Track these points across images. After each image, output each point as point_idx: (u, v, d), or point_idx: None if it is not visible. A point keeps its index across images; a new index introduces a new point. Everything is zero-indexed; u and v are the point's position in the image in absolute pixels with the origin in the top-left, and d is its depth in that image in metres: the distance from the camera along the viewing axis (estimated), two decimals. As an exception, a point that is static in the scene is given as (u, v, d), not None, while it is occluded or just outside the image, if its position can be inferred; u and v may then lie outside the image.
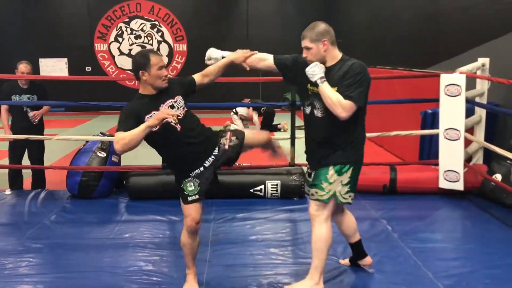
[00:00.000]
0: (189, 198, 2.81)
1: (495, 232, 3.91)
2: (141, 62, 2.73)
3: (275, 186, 4.73)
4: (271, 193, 4.74)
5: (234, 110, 9.76)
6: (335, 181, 2.78)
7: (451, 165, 4.56)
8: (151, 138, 2.72)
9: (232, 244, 3.69)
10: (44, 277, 3.17)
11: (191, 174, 2.83)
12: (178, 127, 2.76)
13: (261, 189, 4.74)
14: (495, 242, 3.70)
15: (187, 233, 2.87)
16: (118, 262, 3.39)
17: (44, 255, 3.53)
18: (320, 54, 2.74)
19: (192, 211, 2.82)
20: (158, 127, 2.63)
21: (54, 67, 12.62)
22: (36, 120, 5.09)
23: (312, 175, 2.93)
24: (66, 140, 5.75)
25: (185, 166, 2.83)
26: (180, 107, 2.80)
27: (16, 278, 3.16)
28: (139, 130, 2.57)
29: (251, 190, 4.75)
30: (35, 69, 12.20)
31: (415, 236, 3.81)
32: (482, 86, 4.93)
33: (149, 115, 2.69)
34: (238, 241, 3.76)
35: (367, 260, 3.19)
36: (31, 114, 5.05)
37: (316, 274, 2.85)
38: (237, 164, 5.12)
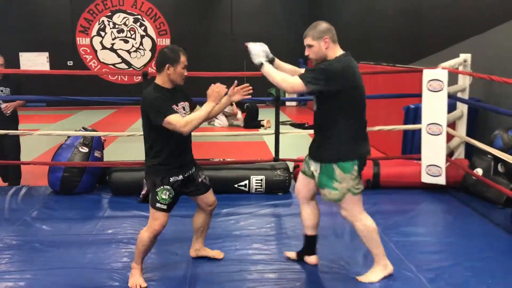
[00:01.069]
0: (157, 205, 2.90)
1: (476, 226, 3.97)
2: (170, 56, 2.84)
3: (260, 181, 4.73)
4: (256, 188, 4.74)
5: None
6: (345, 179, 2.85)
7: (434, 159, 4.61)
8: (160, 129, 2.80)
9: (217, 239, 3.68)
10: (25, 274, 3.13)
11: (171, 179, 2.90)
12: None
13: (245, 184, 4.74)
14: (476, 236, 3.75)
15: (149, 234, 2.93)
16: (101, 259, 3.36)
17: (25, 252, 3.48)
18: (321, 51, 2.84)
19: (160, 216, 2.91)
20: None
21: (35, 61, 12.42)
22: (9, 112, 4.96)
23: (310, 164, 3.01)
24: (47, 135, 5.66)
25: (175, 162, 2.92)
26: (187, 112, 2.96)
27: (-3, 275, 3.12)
28: (207, 111, 2.80)
29: (236, 185, 4.75)
30: (15, 63, 12.04)
31: (398, 230, 3.84)
32: (464, 81, 4.99)
33: (174, 106, 2.84)
34: (222, 236, 3.76)
35: (313, 259, 3.22)
36: (3, 106, 4.93)
37: (381, 259, 2.99)
38: (221, 159, 5.13)
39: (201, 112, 2.81)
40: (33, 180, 5.25)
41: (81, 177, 4.75)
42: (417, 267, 3.19)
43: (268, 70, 2.89)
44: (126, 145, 6.91)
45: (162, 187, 2.89)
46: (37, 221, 4.09)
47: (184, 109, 2.93)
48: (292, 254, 3.31)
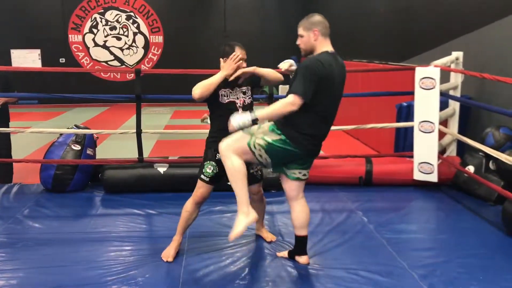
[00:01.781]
0: (202, 176, 3.20)
1: (468, 223, 4.00)
2: (226, 51, 3.19)
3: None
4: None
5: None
6: (262, 129, 2.92)
7: (426, 157, 4.63)
8: (221, 106, 3.14)
9: (209, 236, 3.68)
10: (17, 273, 3.11)
11: (217, 156, 3.13)
12: (240, 110, 3.17)
13: (238, 181, 4.73)
14: (468, 232, 3.78)
15: (192, 202, 3.23)
16: (93, 257, 3.35)
17: (17, 250, 3.46)
18: (310, 42, 2.91)
19: (203, 186, 3.20)
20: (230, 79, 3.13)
21: (26, 59, 12.33)
22: None
23: None
24: (39, 133, 5.63)
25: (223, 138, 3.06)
26: (248, 96, 3.24)
27: (-12, 273, 3.10)
28: (216, 78, 3.10)
29: (228, 183, 4.72)
30: (7, 60, 11.95)
31: (390, 227, 3.86)
32: (456, 79, 5.02)
33: (224, 91, 3.15)
34: (215, 233, 3.76)
35: (304, 259, 3.21)
36: None
37: (242, 205, 2.95)
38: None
39: (212, 78, 3.11)
40: (25, 178, 5.22)
41: (74, 175, 4.73)
42: (409, 264, 3.21)
43: (264, 115, 2.87)
44: (119, 143, 6.88)
45: (209, 162, 3.18)
46: (29, 219, 4.07)
47: (244, 94, 3.21)
48: (284, 254, 3.31)
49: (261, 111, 2.88)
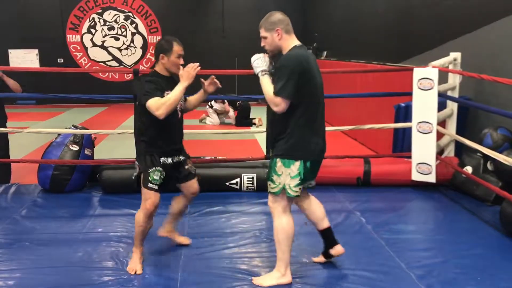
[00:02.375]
0: (150, 185, 3.05)
1: (466, 223, 4.00)
2: (164, 46, 3.05)
3: (251, 179, 4.73)
4: (247, 186, 4.74)
5: (209, 103, 9.73)
6: (283, 173, 2.81)
7: (424, 157, 4.64)
8: (150, 112, 2.94)
9: (208, 237, 3.68)
10: (14, 273, 3.10)
11: (161, 160, 3.06)
12: (179, 114, 3.14)
13: (237, 182, 4.74)
14: (466, 233, 3.78)
15: (143, 215, 3.07)
16: (91, 257, 3.34)
17: (15, 250, 3.45)
18: (275, 42, 2.82)
19: (152, 195, 3.04)
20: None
21: (25, 59, 12.30)
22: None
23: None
24: (37, 133, 5.62)
25: (164, 145, 3.08)
26: (183, 100, 3.22)
27: (-14, 274, 3.09)
28: (180, 91, 2.95)
29: (227, 183, 4.74)
30: (5, 61, 11.92)
31: (388, 228, 3.86)
32: (454, 80, 5.02)
33: (167, 92, 2.98)
34: (213, 234, 3.76)
35: (338, 249, 3.14)
36: None
37: (282, 266, 2.91)
38: (213, 157, 5.12)
39: (172, 92, 2.94)
40: (22, 178, 5.21)
41: (71, 175, 4.73)
42: (407, 264, 3.21)
43: (261, 83, 2.83)
44: (117, 143, 6.87)
45: (154, 168, 3.04)
46: (27, 220, 4.06)
47: (182, 98, 3.14)
48: (320, 259, 3.23)
49: (266, 81, 2.79)
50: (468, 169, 4.62)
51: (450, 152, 5.20)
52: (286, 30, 2.81)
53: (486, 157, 4.45)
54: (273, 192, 2.86)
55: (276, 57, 2.90)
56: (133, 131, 4.26)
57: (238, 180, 4.74)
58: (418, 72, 4.61)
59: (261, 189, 4.73)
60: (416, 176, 4.73)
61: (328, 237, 3.17)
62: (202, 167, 4.79)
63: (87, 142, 4.96)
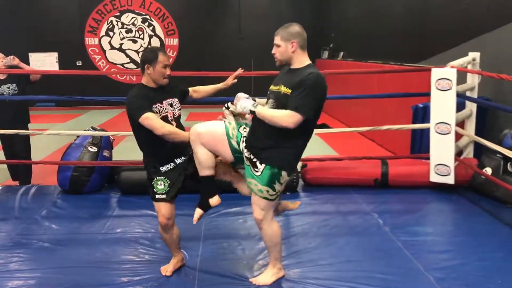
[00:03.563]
0: (157, 196, 3.00)
1: (485, 225, 3.95)
2: (149, 57, 2.97)
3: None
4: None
5: (226, 105, 9.75)
6: (283, 183, 2.86)
7: (442, 159, 4.59)
8: (142, 126, 2.92)
9: (224, 238, 3.69)
10: (35, 273, 3.15)
11: (161, 169, 3.01)
12: (174, 124, 3.03)
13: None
14: (485, 235, 3.73)
15: (161, 229, 3.07)
16: (110, 257, 3.38)
17: (35, 251, 3.51)
18: (287, 53, 2.81)
19: (161, 207, 3.00)
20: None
21: (44, 62, 12.49)
22: (15, 63, 5.04)
23: (246, 157, 2.88)
24: (56, 135, 5.70)
25: (163, 155, 3.03)
26: (177, 108, 3.09)
27: (7, 273, 3.14)
28: (184, 138, 2.93)
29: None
30: (26, 63, 12.11)
31: (406, 230, 3.83)
32: (473, 80, 4.96)
33: (155, 106, 2.94)
34: (230, 235, 3.77)
35: (216, 199, 3.04)
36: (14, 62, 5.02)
37: (278, 263, 3.06)
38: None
39: (180, 133, 2.94)
40: (42, 179, 5.29)
41: (90, 176, 4.78)
42: (425, 266, 3.18)
43: (262, 114, 2.78)
44: (135, 145, 6.91)
45: (156, 179, 3.00)
46: (47, 220, 4.12)
47: (171, 106, 3.05)
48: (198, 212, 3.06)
49: (262, 109, 2.78)
50: (488, 170, 4.55)
51: (469, 153, 5.14)
52: (301, 45, 2.80)
53: (506, 158, 4.38)
54: (270, 199, 2.87)
55: (284, 68, 2.91)
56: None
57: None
58: (436, 73, 4.56)
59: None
60: (434, 178, 4.68)
61: (207, 186, 3.05)
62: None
63: (105, 144, 5.02)
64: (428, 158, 4.75)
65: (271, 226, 2.94)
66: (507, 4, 4.96)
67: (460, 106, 4.80)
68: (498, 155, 4.52)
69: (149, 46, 3.15)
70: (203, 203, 3.03)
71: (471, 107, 5.02)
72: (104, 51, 12.82)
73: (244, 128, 2.99)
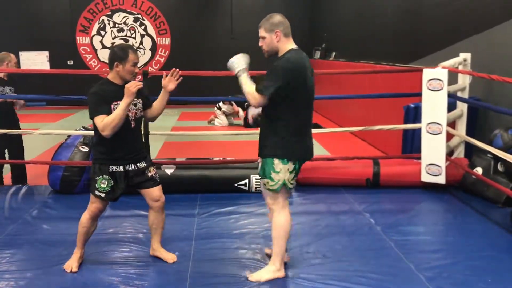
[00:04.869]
0: (96, 192, 3.05)
1: (476, 225, 3.97)
2: (119, 55, 2.97)
3: (260, 181, 4.73)
4: (256, 187, 4.74)
5: (217, 105, 9.75)
6: (281, 170, 2.89)
7: (433, 159, 4.61)
8: None
9: (217, 238, 3.68)
10: (25, 273, 3.13)
11: (110, 169, 3.03)
12: (133, 123, 3.05)
13: (245, 183, 4.74)
14: (476, 235, 3.76)
15: (89, 216, 3.12)
16: (100, 258, 3.36)
17: (25, 251, 3.48)
18: (273, 44, 2.91)
19: (98, 202, 3.08)
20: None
21: (35, 61, 12.41)
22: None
23: (259, 163, 3.06)
24: (47, 134, 5.66)
25: (115, 155, 3.03)
26: (139, 108, 3.09)
27: (-3, 274, 3.12)
28: (123, 109, 2.86)
29: (236, 185, 4.75)
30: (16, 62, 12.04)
31: (397, 229, 3.85)
32: (464, 80, 5.00)
33: (116, 103, 2.93)
34: (222, 235, 3.76)
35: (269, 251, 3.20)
36: (19, 104, 5.06)
37: (278, 260, 3.00)
38: (221, 158, 5.13)
39: (115, 112, 2.88)
40: (33, 179, 5.25)
41: (81, 176, 4.76)
42: (416, 266, 3.20)
43: (240, 81, 2.93)
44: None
45: (101, 176, 3.02)
46: (37, 220, 4.09)
47: (135, 105, 3.05)
48: (268, 250, 3.32)
49: (243, 78, 2.91)
50: (478, 170, 4.59)
51: (460, 153, 5.17)
52: (285, 33, 2.89)
53: (497, 158, 4.41)
54: (273, 189, 2.93)
55: (272, 58, 2.97)
56: (142, 132, 4.24)
57: (246, 181, 4.74)
58: (428, 73, 4.58)
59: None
60: (425, 178, 4.71)
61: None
62: (211, 168, 4.81)
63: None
64: (419, 158, 4.77)
65: (279, 217, 2.97)
66: (498, 5, 5.00)
67: (451, 106, 4.83)
68: (488, 155, 4.55)
69: (119, 43, 3.12)
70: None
71: (462, 107, 5.05)
72: (95, 50, 12.75)
73: None
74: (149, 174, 3.17)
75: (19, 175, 5.20)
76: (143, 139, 3.24)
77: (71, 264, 3.14)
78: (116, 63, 2.95)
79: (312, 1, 12.64)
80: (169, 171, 4.74)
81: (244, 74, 2.93)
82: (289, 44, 2.91)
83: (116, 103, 2.93)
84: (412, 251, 3.43)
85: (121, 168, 3.06)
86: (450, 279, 3.02)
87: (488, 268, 3.16)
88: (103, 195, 3.04)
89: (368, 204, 4.46)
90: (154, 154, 5.94)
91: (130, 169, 3.09)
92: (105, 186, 3.03)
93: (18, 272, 3.16)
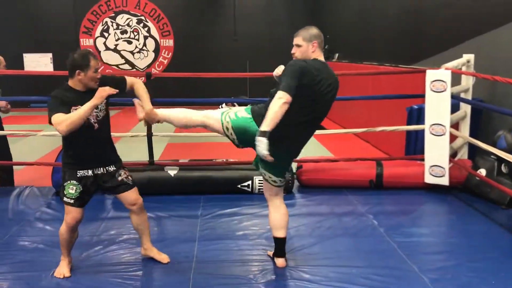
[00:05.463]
0: (65, 199, 2.99)
1: (480, 226, 3.96)
2: (80, 62, 2.88)
3: (263, 182, 4.72)
4: (259, 189, 4.74)
5: (220, 106, 9.77)
6: (239, 108, 3.02)
7: (437, 160, 4.60)
8: None
9: (220, 239, 3.68)
10: (28, 275, 3.14)
11: (78, 174, 2.98)
12: (96, 126, 2.97)
13: (248, 184, 4.75)
14: (479, 236, 3.75)
15: (66, 228, 3.05)
16: (104, 259, 3.37)
17: (29, 252, 3.49)
18: (307, 53, 2.97)
19: (72, 210, 3.01)
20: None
21: (39, 63, 12.45)
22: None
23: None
24: (51, 136, 5.67)
25: (81, 159, 2.99)
26: (102, 109, 3.00)
27: (0, 275, 3.13)
28: (86, 109, 2.78)
29: (239, 186, 4.75)
30: (19, 64, 12.08)
31: (401, 231, 3.84)
32: (467, 82, 4.98)
33: (75, 108, 2.84)
34: (225, 236, 3.76)
35: (279, 261, 3.21)
36: (4, 104, 4.94)
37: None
38: (225, 160, 5.14)
39: (78, 110, 2.80)
40: (37, 181, 5.27)
41: (85, 177, 4.75)
42: (420, 267, 3.19)
43: (268, 123, 2.74)
44: (130, 146, 6.91)
45: (69, 182, 2.98)
46: (41, 222, 4.10)
47: (97, 108, 2.95)
48: (271, 253, 3.33)
49: (264, 123, 2.74)
50: (482, 171, 4.57)
51: (463, 154, 5.16)
52: (321, 46, 3.01)
53: (500, 160, 4.40)
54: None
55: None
56: (145, 134, 4.27)
57: (250, 182, 4.74)
58: (431, 74, 4.58)
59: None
60: (429, 179, 4.70)
61: (277, 247, 3.22)
62: (214, 169, 4.81)
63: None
64: (422, 160, 4.76)
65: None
66: (501, 6, 4.99)
67: (454, 108, 4.82)
68: (492, 156, 4.54)
69: (78, 50, 3.01)
70: (272, 255, 3.29)
71: (465, 109, 5.04)
72: (99, 52, 12.78)
73: None
74: (119, 178, 3.10)
75: (7, 176, 5.15)
76: (112, 142, 3.17)
77: (62, 272, 3.10)
78: (77, 71, 2.87)
79: (314, 2, 12.64)
80: (172, 172, 4.75)
81: (263, 128, 2.72)
82: (321, 56, 3.00)
83: (75, 107, 2.84)
84: (415, 253, 3.42)
85: (89, 172, 3.01)
86: (453, 281, 3.01)
87: (492, 270, 3.15)
88: (71, 201, 2.98)
89: (371, 205, 4.45)
90: (157, 155, 5.95)
91: (99, 172, 3.04)
92: (73, 192, 2.97)
93: (21, 273, 3.16)
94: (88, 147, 2.97)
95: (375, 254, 3.42)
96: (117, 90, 2.94)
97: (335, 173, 4.97)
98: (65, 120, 2.74)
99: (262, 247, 3.54)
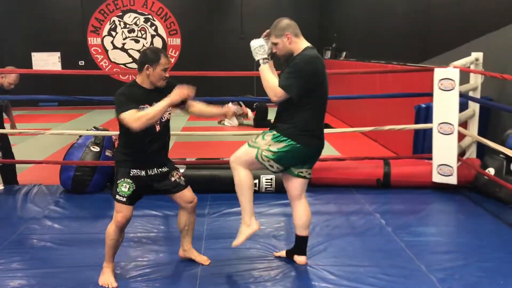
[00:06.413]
0: (117, 197, 2.94)
1: (488, 226, 3.94)
2: (151, 57, 2.86)
3: (270, 181, 4.74)
4: (266, 188, 4.74)
5: (227, 105, 9.75)
6: (265, 140, 2.96)
7: (445, 159, 4.58)
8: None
9: (227, 238, 3.67)
10: (37, 272, 3.16)
11: (131, 173, 2.93)
12: (158, 127, 2.93)
13: (255, 183, 4.74)
14: (488, 236, 3.72)
15: (115, 227, 2.98)
16: (112, 257, 3.38)
17: (38, 250, 3.52)
18: (286, 47, 2.95)
19: (123, 208, 2.95)
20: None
21: (47, 61, 12.51)
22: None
23: None
24: (59, 134, 5.71)
25: (137, 158, 2.94)
26: (167, 112, 2.95)
27: (9, 273, 3.15)
28: (163, 107, 2.76)
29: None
30: (28, 63, 12.16)
31: (408, 230, 3.82)
32: (476, 80, 4.95)
33: (143, 106, 2.82)
34: (232, 235, 3.74)
35: (303, 259, 3.22)
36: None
37: (246, 216, 3.07)
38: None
39: (154, 107, 2.78)
40: (45, 179, 5.30)
41: (93, 176, 4.79)
42: (427, 267, 3.17)
43: (262, 72, 2.97)
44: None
45: (123, 180, 2.93)
46: (49, 220, 4.13)
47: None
48: (282, 253, 3.33)
49: (265, 68, 2.94)
50: (491, 170, 4.54)
51: (472, 153, 5.13)
52: (295, 33, 2.94)
53: (509, 159, 4.37)
54: (250, 145, 3.02)
55: (289, 60, 2.97)
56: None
57: (256, 181, 4.74)
58: (439, 73, 4.55)
59: (279, 190, 4.72)
60: (437, 178, 4.67)
61: (301, 245, 3.23)
62: (221, 168, 4.81)
63: (108, 144, 5.03)
64: (430, 159, 4.74)
65: (238, 172, 3.03)
66: (510, 4, 4.95)
67: (463, 106, 4.79)
68: (501, 155, 4.51)
69: (150, 46, 2.94)
70: (288, 254, 3.28)
71: (474, 107, 5.01)
72: (106, 50, 12.83)
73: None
74: (172, 179, 3.08)
75: (9, 173, 5.16)
76: (168, 147, 3.13)
77: (108, 281, 2.98)
78: (147, 65, 2.83)
79: (322, 0, 12.61)
80: (179, 171, 4.75)
81: (265, 65, 2.95)
82: (302, 43, 2.95)
83: (142, 106, 2.82)
84: (423, 252, 3.40)
85: (143, 173, 2.96)
86: (461, 281, 3.00)
87: (500, 270, 3.13)
88: (124, 199, 2.92)
89: (379, 204, 4.44)
90: (164, 154, 5.96)
91: (152, 173, 3.00)
92: (126, 190, 2.92)
93: (31, 271, 3.18)
94: (147, 149, 2.92)
95: (382, 253, 3.41)
96: (194, 92, 2.89)
97: (342, 172, 4.96)
98: (143, 116, 2.72)
99: (269, 246, 3.54)
